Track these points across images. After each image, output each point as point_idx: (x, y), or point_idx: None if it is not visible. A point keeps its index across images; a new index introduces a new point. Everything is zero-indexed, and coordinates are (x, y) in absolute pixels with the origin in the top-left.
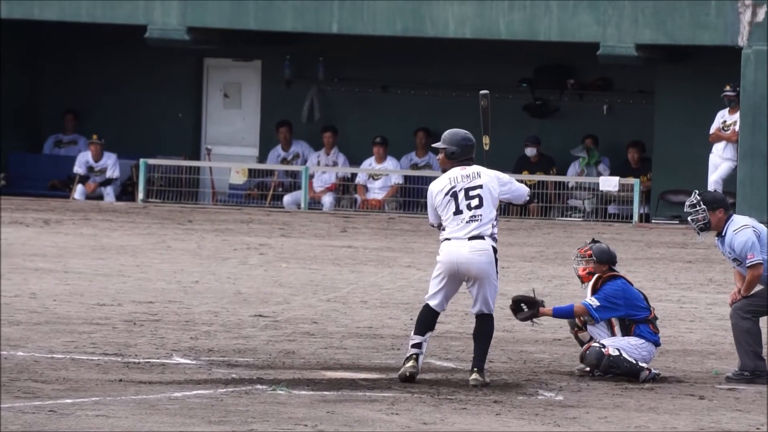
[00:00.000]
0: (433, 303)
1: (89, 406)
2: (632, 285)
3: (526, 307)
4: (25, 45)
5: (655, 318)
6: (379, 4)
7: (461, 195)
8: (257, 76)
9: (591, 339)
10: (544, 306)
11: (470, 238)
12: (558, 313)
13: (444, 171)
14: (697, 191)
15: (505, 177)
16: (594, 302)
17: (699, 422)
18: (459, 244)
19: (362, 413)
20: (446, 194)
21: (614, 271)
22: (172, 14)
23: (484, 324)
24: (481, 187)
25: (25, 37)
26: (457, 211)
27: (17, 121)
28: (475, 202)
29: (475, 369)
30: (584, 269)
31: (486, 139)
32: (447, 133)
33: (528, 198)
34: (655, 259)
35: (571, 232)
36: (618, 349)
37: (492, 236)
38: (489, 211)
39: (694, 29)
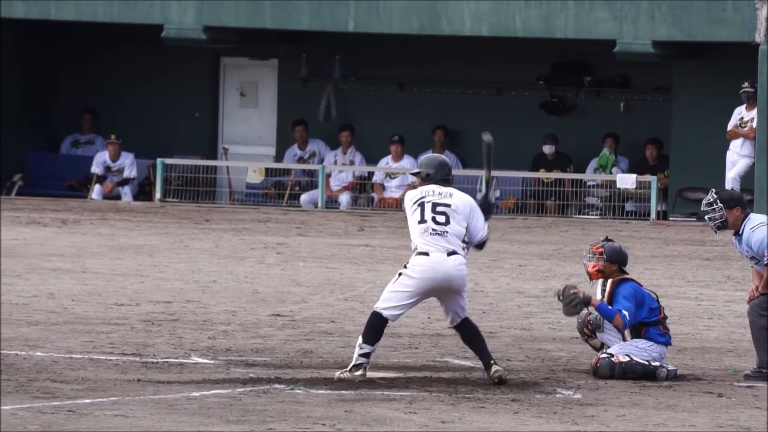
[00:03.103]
0: (389, 314)
1: (108, 406)
2: (642, 287)
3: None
4: (42, 45)
5: (665, 318)
6: (395, 2)
7: (428, 207)
8: (274, 74)
9: (602, 345)
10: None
11: (449, 254)
12: (601, 309)
13: None
14: (714, 190)
15: (477, 210)
16: (627, 315)
17: (717, 420)
18: (440, 259)
19: (380, 412)
20: (414, 203)
21: (624, 272)
22: (189, 13)
23: (468, 326)
24: (449, 206)
25: (42, 36)
26: (421, 220)
27: (35, 121)
28: (441, 218)
29: (491, 362)
30: (594, 266)
31: (486, 175)
32: (423, 158)
33: (483, 241)
34: (673, 256)
35: (588, 229)
36: (627, 355)
37: (464, 256)
38: (457, 229)
39: (711, 25)
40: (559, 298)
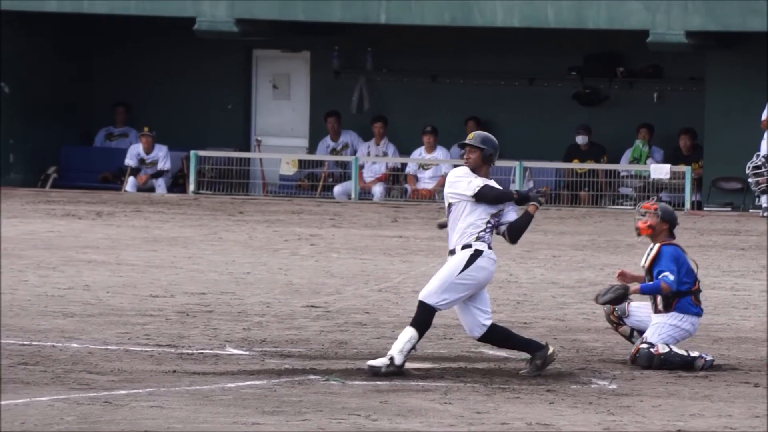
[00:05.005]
0: (445, 308)
1: (143, 397)
2: (686, 254)
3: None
4: (75, 38)
5: (699, 290)
6: None
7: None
8: (306, 66)
9: (632, 331)
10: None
11: None
12: (645, 290)
13: (474, 171)
14: (759, 153)
15: None
16: (670, 276)
17: (754, 410)
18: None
19: (415, 403)
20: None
21: (673, 235)
22: (221, 6)
23: (496, 327)
24: None
25: (76, 30)
26: (496, 213)
27: (69, 114)
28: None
29: (545, 343)
30: (645, 222)
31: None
32: (479, 134)
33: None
34: (708, 246)
35: (622, 220)
36: (667, 345)
37: None
38: None
39: (745, 15)
40: (597, 300)
